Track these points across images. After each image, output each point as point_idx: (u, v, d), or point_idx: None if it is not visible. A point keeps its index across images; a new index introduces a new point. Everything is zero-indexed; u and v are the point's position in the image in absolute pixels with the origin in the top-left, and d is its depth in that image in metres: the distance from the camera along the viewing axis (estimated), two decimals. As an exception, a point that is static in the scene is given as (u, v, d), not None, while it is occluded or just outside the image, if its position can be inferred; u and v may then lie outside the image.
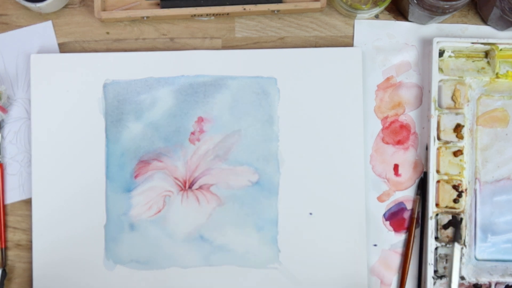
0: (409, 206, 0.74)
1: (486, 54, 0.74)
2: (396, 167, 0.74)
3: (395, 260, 0.74)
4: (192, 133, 0.73)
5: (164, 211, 0.73)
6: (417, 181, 0.74)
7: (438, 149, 0.72)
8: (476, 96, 0.74)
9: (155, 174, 0.73)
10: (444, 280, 0.72)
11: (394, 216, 0.74)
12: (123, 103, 0.73)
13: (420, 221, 0.74)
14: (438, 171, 0.72)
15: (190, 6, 0.72)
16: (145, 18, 0.73)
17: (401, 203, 0.74)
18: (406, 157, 0.74)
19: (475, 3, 0.75)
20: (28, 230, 0.74)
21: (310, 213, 0.73)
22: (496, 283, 0.72)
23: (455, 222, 0.71)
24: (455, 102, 0.72)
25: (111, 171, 0.73)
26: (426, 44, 0.75)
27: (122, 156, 0.73)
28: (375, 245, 0.74)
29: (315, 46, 0.75)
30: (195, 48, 0.75)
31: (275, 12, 0.73)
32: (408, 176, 0.74)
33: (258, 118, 0.73)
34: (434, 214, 0.72)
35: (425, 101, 0.74)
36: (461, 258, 0.71)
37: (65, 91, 0.73)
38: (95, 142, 0.73)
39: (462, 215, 0.72)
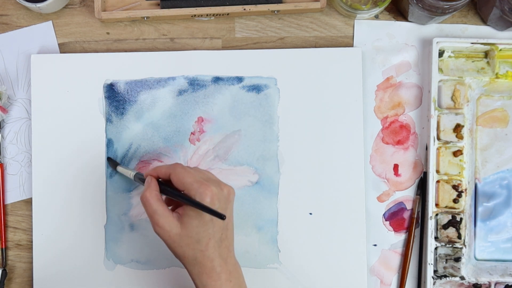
0: (409, 206, 0.74)
1: (486, 54, 0.74)
2: (396, 167, 0.74)
3: (395, 260, 0.74)
4: (192, 133, 0.73)
5: (164, 211, 0.73)
6: (417, 181, 0.74)
7: (438, 149, 0.72)
8: (476, 96, 0.74)
9: (155, 174, 0.73)
10: (444, 280, 0.72)
11: (394, 216, 0.74)
12: (123, 103, 0.73)
13: (420, 221, 0.74)
14: (438, 171, 0.72)
15: (190, 6, 0.72)
16: (145, 19, 0.73)
17: (401, 203, 0.74)
18: (406, 157, 0.74)
19: (475, 3, 0.75)
20: (29, 230, 0.74)
21: (310, 213, 0.73)
22: (496, 283, 0.72)
23: None
24: (455, 102, 0.72)
25: (111, 171, 0.73)
26: (426, 44, 0.75)
27: (122, 156, 0.73)
28: (375, 245, 0.74)
29: (315, 46, 0.75)
30: (195, 48, 0.75)
31: (275, 12, 0.73)
32: (408, 176, 0.74)
33: (258, 118, 0.73)
34: (434, 214, 0.72)
35: (425, 101, 0.74)
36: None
37: (65, 91, 0.73)
38: (95, 142, 0.73)
39: (461, 215, 0.72)
